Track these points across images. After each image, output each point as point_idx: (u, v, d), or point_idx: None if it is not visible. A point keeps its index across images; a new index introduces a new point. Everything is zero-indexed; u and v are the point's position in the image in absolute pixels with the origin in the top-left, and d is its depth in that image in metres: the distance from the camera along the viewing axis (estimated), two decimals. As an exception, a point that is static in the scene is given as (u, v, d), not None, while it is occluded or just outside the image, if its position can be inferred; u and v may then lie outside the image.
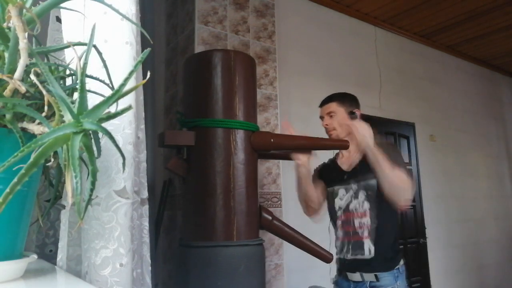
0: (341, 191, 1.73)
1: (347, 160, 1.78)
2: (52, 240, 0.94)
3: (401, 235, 3.56)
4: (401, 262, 1.66)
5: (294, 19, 3.15)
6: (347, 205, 1.70)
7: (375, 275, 1.59)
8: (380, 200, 1.60)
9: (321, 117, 1.80)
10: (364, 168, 1.65)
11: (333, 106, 1.75)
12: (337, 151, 1.87)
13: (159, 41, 2.81)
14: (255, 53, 2.66)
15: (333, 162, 1.87)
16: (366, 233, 1.62)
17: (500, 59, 4.97)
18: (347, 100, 1.77)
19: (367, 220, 1.63)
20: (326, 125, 1.75)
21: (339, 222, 1.73)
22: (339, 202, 1.73)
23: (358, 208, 1.66)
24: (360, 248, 1.63)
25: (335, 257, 1.72)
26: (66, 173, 0.48)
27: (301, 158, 1.66)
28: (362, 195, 1.66)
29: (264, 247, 1.50)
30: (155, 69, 2.67)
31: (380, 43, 3.81)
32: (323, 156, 1.87)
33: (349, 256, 1.66)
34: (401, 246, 3.53)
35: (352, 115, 1.74)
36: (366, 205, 1.64)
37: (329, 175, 1.82)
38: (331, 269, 1.82)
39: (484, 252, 4.46)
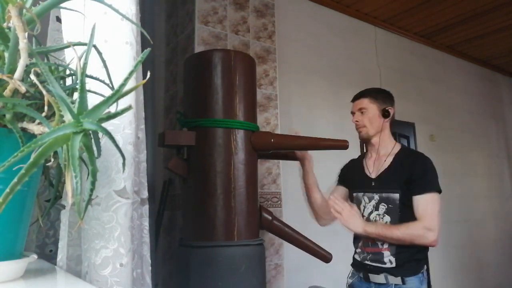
0: (365, 198, 1.65)
1: (375, 162, 1.68)
2: (52, 240, 0.94)
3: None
4: (425, 267, 1.59)
5: (294, 19, 3.15)
6: (369, 214, 1.63)
7: (402, 278, 1.52)
8: (402, 214, 1.53)
9: (352, 113, 1.72)
10: (389, 177, 1.59)
11: (365, 102, 1.67)
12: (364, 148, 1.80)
13: (159, 41, 2.81)
14: (255, 53, 2.66)
15: (360, 162, 1.77)
16: (385, 246, 1.55)
17: (500, 59, 4.97)
18: (381, 96, 1.70)
19: None
20: (357, 121, 1.67)
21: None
22: (362, 210, 1.66)
23: (378, 220, 1.58)
24: (380, 259, 1.56)
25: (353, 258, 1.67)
26: (66, 173, 0.48)
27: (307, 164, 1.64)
28: (382, 207, 1.58)
29: (264, 247, 1.50)
30: (155, 69, 2.67)
31: (380, 43, 3.81)
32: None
33: (368, 262, 1.59)
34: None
35: (385, 113, 1.66)
36: (387, 218, 1.56)
37: (354, 179, 1.74)
38: (351, 270, 1.74)
39: (484, 252, 4.46)
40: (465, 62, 4.82)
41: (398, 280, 1.52)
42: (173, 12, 2.79)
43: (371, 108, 1.66)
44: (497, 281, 4.51)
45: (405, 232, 1.47)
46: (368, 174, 1.68)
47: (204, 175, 1.38)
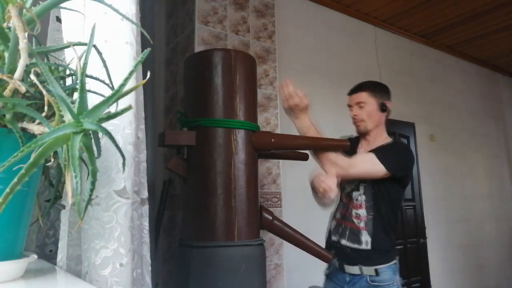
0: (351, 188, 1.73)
1: (364, 150, 1.73)
2: (52, 240, 0.94)
3: (400, 232, 3.56)
4: (397, 257, 1.66)
5: (294, 19, 3.15)
6: (351, 191, 1.70)
7: (375, 269, 1.58)
8: (375, 194, 1.62)
9: (349, 106, 1.71)
10: None
11: (364, 96, 1.66)
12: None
13: (159, 41, 2.81)
14: (255, 53, 2.66)
15: (355, 144, 1.79)
16: (362, 224, 1.63)
17: (500, 59, 4.97)
18: (379, 90, 1.69)
19: (363, 211, 1.64)
20: (355, 115, 1.67)
21: (340, 204, 1.74)
22: (347, 186, 1.73)
23: (358, 198, 1.66)
24: (356, 237, 1.62)
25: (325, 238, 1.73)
26: (66, 173, 0.48)
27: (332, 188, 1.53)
28: (361, 187, 1.67)
29: (265, 247, 1.50)
30: (155, 69, 2.67)
31: (380, 43, 3.81)
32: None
33: (344, 242, 1.64)
34: (401, 246, 3.53)
35: (383, 107, 1.66)
36: (363, 197, 1.65)
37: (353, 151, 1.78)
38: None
39: (484, 252, 4.46)
40: (465, 62, 4.82)
41: (371, 271, 1.57)
42: (173, 12, 2.79)
43: (370, 102, 1.65)
44: (497, 281, 4.51)
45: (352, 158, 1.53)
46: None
47: (204, 175, 1.38)
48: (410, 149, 1.72)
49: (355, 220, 1.65)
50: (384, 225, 1.62)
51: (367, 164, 1.55)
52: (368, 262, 1.59)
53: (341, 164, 1.50)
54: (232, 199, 1.36)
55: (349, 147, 1.59)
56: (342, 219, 1.70)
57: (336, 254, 1.68)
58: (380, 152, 1.56)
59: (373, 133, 1.70)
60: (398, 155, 1.62)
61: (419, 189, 3.83)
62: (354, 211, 1.66)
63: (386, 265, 1.59)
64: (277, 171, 2.63)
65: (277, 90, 2.74)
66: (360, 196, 1.67)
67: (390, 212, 1.65)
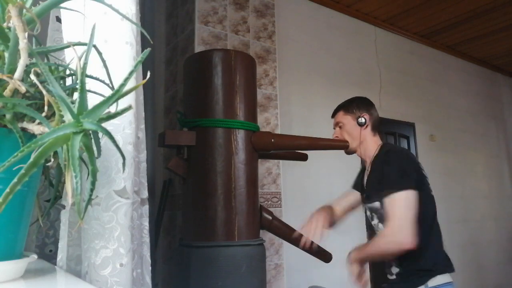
0: (365, 209, 1.63)
1: (367, 171, 1.64)
2: (52, 240, 0.94)
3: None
4: (436, 279, 1.49)
5: (294, 19, 3.15)
6: (369, 223, 1.61)
7: None
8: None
9: (334, 128, 1.71)
10: (369, 187, 1.54)
11: (340, 116, 1.66)
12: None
13: (159, 41, 2.81)
14: (255, 53, 2.66)
15: (361, 172, 1.72)
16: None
17: (500, 59, 4.97)
18: (353, 106, 1.65)
19: None
20: (336, 136, 1.66)
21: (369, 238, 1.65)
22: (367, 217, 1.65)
23: (376, 228, 1.55)
24: (388, 271, 1.52)
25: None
26: (66, 173, 0.48)
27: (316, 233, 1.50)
28: (375, 216, 1.54)
29: (265, 247, 1.50)
30: (155, 69, 2.67)
31: (380, 43, 3.81)
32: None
33: (387, 271, 1.55)
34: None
35: (360, 121, 1.60)
36: (381, 226, 1.50)
37: (359, 189, 1.71)
38: None
39: (484, 252, 4.46)
40: (465, 62, 4.82)
41: None
42: (173, 12, 2.79)
43: (346, 119, 1.63)
44: (497, 281, 4.51)
45: (373, 246, 1.40)
46: (363, 185, 1.64)
47: (204, 175, 1.38)
48: (404, 153, 1.56)
49: None
50: (413, 252, 1.37)
51: (401, 212, 1.35)
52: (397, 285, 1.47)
53: (388, 245, 1.37)
54: (232, 199, 1.36)
55: (348, 147, 1.57)
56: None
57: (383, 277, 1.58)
58: (388, 183, 1.40)
59: (361, 148, 1.62)
60: (399, 167, 1.45)
61: (419, 189, 3.82)
62: None
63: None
64: (277, 171, 2.63)
65: (277, 90, 2.74)
66: (377, 225, 1.54)
67: (420, 231, 1.39)
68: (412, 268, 1.46)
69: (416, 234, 1.32)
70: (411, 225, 1.33)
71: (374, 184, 1.49)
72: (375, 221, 1.55)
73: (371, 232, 1.63)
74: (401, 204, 1.35)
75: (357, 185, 1.71)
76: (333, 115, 1.72)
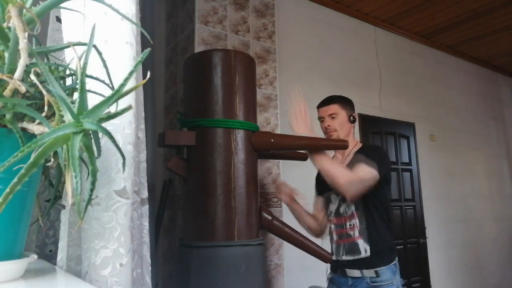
0: (333, 196, 1.79)
1: (338, 159, 1.82)
2: (52, 240, 0.94)
3: (398, 233, 3.56)
4: (396, 258, 1.70)
5: (294, 19, 3.15)
6: (337, 209, 1.76)
7: (375, 271, 1.63)
8: (365, 200, 1.66)
9: (321, 118, 1.80)
10: None
11: (335, 108, 1.76)
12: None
13: (159, 41, 2.81)
14: (255, 53, 2.66)
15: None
16: (357, 233, 1.68)
17: (500, 59, 4.97)
18: (348, 103, 1.81)
19: (355, 221, 1.69)
20: (328, 126, 1.76)
21: (333, 226, 1.79)
22: (331, 207, 1.80)
23: (347, 210, 1.72)
24: (355, 249, 1.68)
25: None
26: (66, 173, 0.48)
27: (284, 198, 1.80)
28: (342, 204, 1.74)
29: (265, 247, 1.50)
30: (155, 69, 2.67)
31: (380, 43, 3.81)
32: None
33: (344, 257, 1.71)
34: (401, 246, 3.53)
35: (352, 118, 1.78)
36: (352, 207, 1.70)
37: (322, 183, 1.83)
38: (328, 267, 1.85)
39: (484, 252, 4.46)
40: (465, 62, 4.82)
41: (372, 273, 1.63)
42: (173, 12, 2.79)
43: (341, 114, 1.76)
44: (497, 281, 4.51)
45: (336, 168, 1.57)
46: None
47: (204, 175, 1.38)
48: (381, 146, 1.84)
49: (350, 232, 1.70)
50: (379, 229, 1.67)
51: (368, 176, 1.56)
52: (369, 265, 1.65)
53: (352, 184, 1.53)
54: (232, 199, 1.36)
55: (348, 146, 1.63)
56: (339, 239, 1.75)
57: (340, 267, 1.74)
58: (364, 161, 1.59)
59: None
60: (377, 156, 1.68)
61: (419, 189, 3.83)
62: (348, 223, 1.71)
63: (386, 266, 1.64)
64: (277, 171, 2.63)
65: (277, 90, 2.74)
66: (347, 208, 1.72)
67: (383, 213, 1.69)
68: (382, 245, 1.67)
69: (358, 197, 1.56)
70: (363, 189, 1.54)
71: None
72: (346, 204, 1.72)
73: (337, 224, 1.77)
74: (367, 173, 1.55)
75: (321, 188, 1.87)
76: (324, 105, 1.81)
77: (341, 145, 1.61)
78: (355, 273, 1.67)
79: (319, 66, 3.25)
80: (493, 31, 4.11)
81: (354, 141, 1.81)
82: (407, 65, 4.05)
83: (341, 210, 1.75)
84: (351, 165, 1.65)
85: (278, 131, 2.62)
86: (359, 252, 1.66)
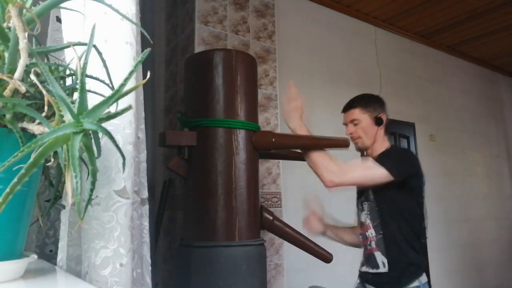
0: (359, 203, 1.70)
1: None
2: (52, 240, 0.94)
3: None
4: (424, 277, 1.54)
5: (294, 19, 3.15)
6: (359, 219, 1.67)
7: None
8: (380, 210, 1.55)
9: (345, 124, 1.69)
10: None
11: (356, 113, 1.63)
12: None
13: (159, 41, 2.81)
14: (255, 53, 2.66)
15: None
16: (373, 245, 1.56)
17: (500, 59, 4.97)
18: (371, 104, 1.65)
19: (371, 232, 1.57)
20: (351, 133, 1.64)
21: (360, 236, 1.68)
22: (359, 215, 1.71)
23: (365, 220, 1.61)
24: (373, 261, 1.56)
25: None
26: (66, 173, 0.48)
27: (316, 229, 1.66)
28: (365, 207, 1.62)
29: (265, 247, 1.50)
30: (155, 69, 2.67)
31: (380, 43, 3.81)
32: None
33: (364, 269, 1.61)
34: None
35: (378, 121, 1.62)
36: (368, 217, 1.60)
37: (358, 191, 1.77)
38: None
39: (484, 252, 4.46)
40: (465, 62, 4.82)
41: None
42: (173, 12, 2.79)
43: (363, 118, 1.62)
44: (497, 281, 4.50)
45: (314, 154, 1.48)
46: None
47: (205, 175, 1.38)
48: (410, 150, 1.71)
49: (367, 243, 1.59)
50: (398, 243, 1.52)
51: (363, 169, 1.48)
52: (391, 285, 1.52)
53: (334, 170, 1.43)
54: (233, 199, 1.36)
55: (349, 145, 1.58)
56: (364, 249, 1.64)
57: (360, 276, 1.66)
58: (378, 157, 1.52)
59: (373, 147, 1.65)
60: (397, 156, 1.57)
61: (419, 189, 3.83)
62: (366, 233, 1.60)
63: (411, 285, 1.50)
64: (277, 171, 2.63)
65: (277, 90, 2.74)
66: (366, 216, 1.61)
67: (404, 226, 1.53)
68: (401, 257, 1.53)
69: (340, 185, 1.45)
70: (350, 181, 1.47)
71: None
72: (365, 212, 1.62)
73: (361, 233, 1.68)
74: (367, 168, 1.48)
75: (357, 196, 1.75)
76: (346, 111, 1.68)
77: (342, 144, 1.56)
78: None
79: (319, 66, 3.25)
80: (493, 31, 4.11)
81: (385, 144, 1.64)
82: (407, 65, 4.05)
83: (362, 218, 1.64)
84: None
85: (278, 131, 2.62)
86: (377, 266, 1.54)
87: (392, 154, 1.56)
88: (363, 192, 1.65)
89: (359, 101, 1.65)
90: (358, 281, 1.70)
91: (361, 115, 1.62)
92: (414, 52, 4.18)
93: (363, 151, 1.70)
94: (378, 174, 1.45)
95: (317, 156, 1.47)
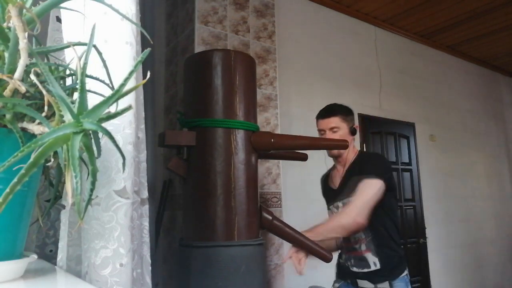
0: (334, 209, 1.75)
1: (338, 174, 1.78)
2: (52, 240, 0.94)
3: (403, 239, 3.56)
4: (407, 268, 1.66)
5: (294, 19, 3.15)
6: None
7: (389, 283, 1.59)
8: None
9: (321, 131, 1.73)
10: (346, 183, 1.67)
11: (336, 121, 1.69)
12: (330, 166, 1.89)
13: (159, 41, 2.81)
14: (255, 53, 2.66)
15: (326, 177, 1.88)
16: (363, 247, 1.64)
17: (500, 59, 4.97)
18: (349, 114, 1.74)
19: (360, 234, 1.64)
20: None
21: (340, 238, 1.74)
22: None
23: None
24: (364, 263, 1.64)
25: (334, 259, 1.72)
26: (66, 173, 0.48)
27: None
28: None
29: (265, 247, 1.50)
30: (155, 69, 2.68)
31: (380, 43, 3.81)
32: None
33: (354, 269, 1.67)
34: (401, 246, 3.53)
35: (353, 131, 1.72)
36: None
37: (326, 193, 1.84)
38: (335, 275, 1.83)
39: (484, 252, 4.46)
40: (465, 62, 4.82)
41: (385, 284, 1.59)
42: (173, 12, 2.79)
43: (343, 127, 1.69)
44: (497, 281, 4.51)
45: (333, 221, 1.53)
46: (333, 187, 1.77)
47: (204, 175, 1.38)
48: (376, 153, 1.79)
49: (355, 246, 1.66)
50: (386, 241, 1.63)
51: (368, 194, 1.53)
52: (381, 278, 1.61)
53: (352, 215, 1.49)
54: (232, 199, 1.36)
55: (348, 146, 1.61)
56: (347, 251, 1.72)
57: (348, 275, 1.71)
58: (366, 173, 1.57)
59: (345, 154, 1.74)
60: (377, 162, 1.66)
61: (419, 189, 3.83)
62: (352, 237, 1.66)
63: (399, 277, 1.61)
64: (277, 171, 2.63)
65: (277, 90, 2.74)
66: None
67: (388, 224, 1.65)
68: (390, 256, 1.63)
69: (368, 218, 1.51)
70: (369, 209, 1.51)
71: (353, 177, 1.64)
72: None
73: (345, 238, 1.74)
74: (371, 188, 1.53)
75: (327, 200, 1.84)
76: (325, 117, 1.72)
77: (341, 145, 1.58)
78: (367, 284, 1.63)
79: (319, 66, 3.25)
80: (493, 31, 4.11)
81: (354, 151, 1.77)
82: (407, 65, 4.05)
83: None
84: (352, 182, 1.61)
85: (278, 131, 2.62)
86: (368, 266, 1.63)
87: (372, 161, 1.65)
88: (343, 199, 1.68)
89: (339, 109, 1.72)
90: (337, 280, 1.77)
91: (341, 123, 1.69)
92: (414, 52, 4.18)
93: (336, 158, 1.78)
94: (378, 186, 1.53)
95: (327, 231, 1.51)
